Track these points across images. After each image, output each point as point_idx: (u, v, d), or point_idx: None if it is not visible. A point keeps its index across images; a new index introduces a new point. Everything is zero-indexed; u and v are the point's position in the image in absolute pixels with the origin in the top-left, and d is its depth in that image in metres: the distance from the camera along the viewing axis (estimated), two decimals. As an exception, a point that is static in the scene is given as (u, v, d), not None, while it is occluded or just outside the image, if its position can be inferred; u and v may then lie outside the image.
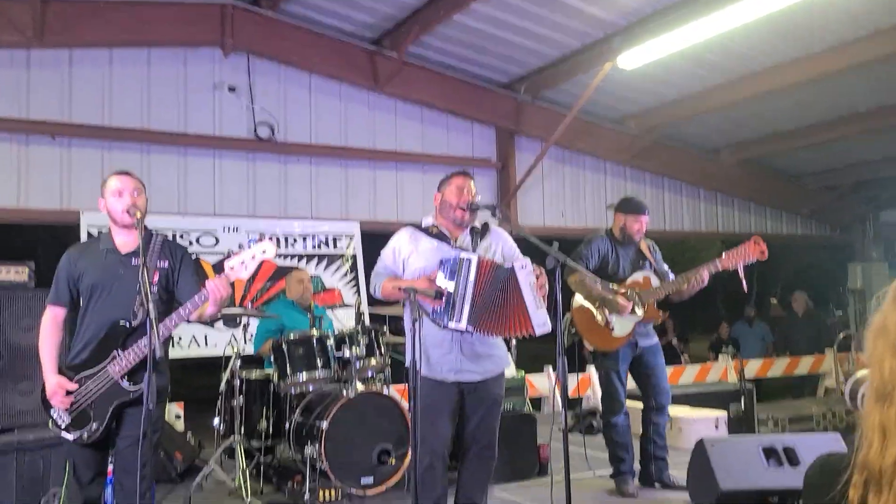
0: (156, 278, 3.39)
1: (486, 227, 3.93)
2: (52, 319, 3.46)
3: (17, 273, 4.88)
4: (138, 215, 3.30)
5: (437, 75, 8.60)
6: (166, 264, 3.46)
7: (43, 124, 6.93)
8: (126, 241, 3.43)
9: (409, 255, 3.78)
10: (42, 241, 14.80)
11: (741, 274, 4.56)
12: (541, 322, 3.54)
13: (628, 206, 5.02)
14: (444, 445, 3.68)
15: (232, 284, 3.30)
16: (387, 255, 3.86)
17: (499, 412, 3.82)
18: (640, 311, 4.74)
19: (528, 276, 3.56)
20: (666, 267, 5.02)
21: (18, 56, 6.87)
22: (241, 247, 3.33)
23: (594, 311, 4.77)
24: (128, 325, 3.29)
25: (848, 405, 2.33)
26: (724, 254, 4.62)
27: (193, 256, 7.15)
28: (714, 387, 7.83)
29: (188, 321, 3.38)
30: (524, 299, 3.53)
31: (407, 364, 3.71)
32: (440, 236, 3.81)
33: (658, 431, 4.91)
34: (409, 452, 3.79)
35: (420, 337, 3.29)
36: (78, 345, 3.40)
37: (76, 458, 3.43)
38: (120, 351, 3.28)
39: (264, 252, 3.28)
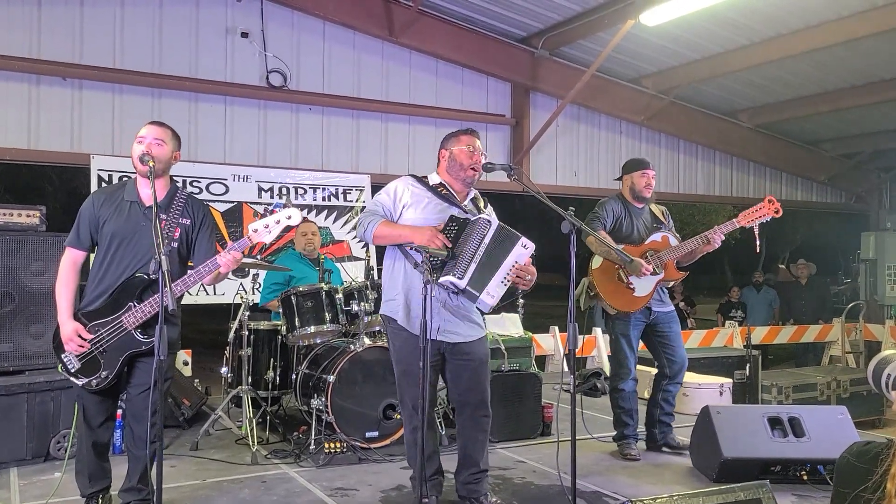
0: (177, 234, 3.40)
1: (485, 200, 3.90)
2: (71, 263, 3.45)
3: (29, 216, 4.87)
4: (151, 164, 3.27)
5: (453, 27, 8.44)
6: (188, 222, 3.46)
7: (54, 65, 6.84)
8: (150, 194, 3.40)
9: (410, 204, 3.68)
10: (51, 183, 14.80)
11: (756, 233, 4.70)
12: (491, 293, 3.44)
13: (631, 165, 5.02)
14: (429, 405, 3.67)
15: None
16: (385, 197, 3.71)
17: (487, 371, 3.79)
18: (660, 271, 4.72)
19: (521, 253, 3.49)
20: (677, 235, 4.99)
21: (29, -7, 6.76)
22: (267, 210, 3.38)
23: (616, 271, 4.73)
24: (146, 277, 3.29)
25: (871, 387, 2.30)
26: (740, 213, 4.72)
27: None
28: (719, 352, 7.85)
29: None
30: (498, 269, 3.46)
31: (385, 312, 3.73)
32: (448, 197, 3.72)
33: (667, 399, 4.91)
34: (401, 413, 3.79)
35: (420, 295, 3.25)
36: (94, 292, 3.40)
37: (86, 403, 3.47)
38: (136, 303, 3.29)
39: (289, 218, 3.30)
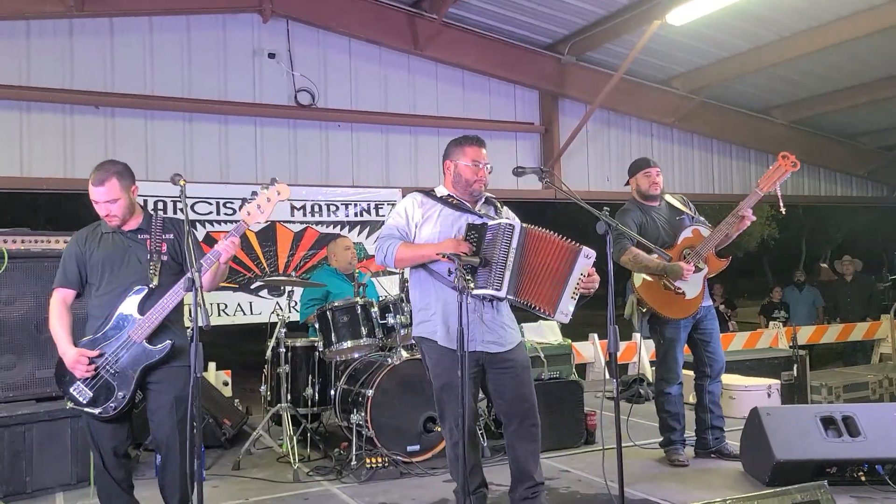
0: (164, 248, 3.42)
1: (500, 202, 3.81)
2: (60, 301, 3.43)
3: (66, 243, 4.91)
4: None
5: (477, 37, 8.43)
6: (172, 236, 3.49)
7: (86, 94, 6.96)
8: (128, 223, 3.44)
9: (423, 220, 3.62)
10: (89, 210, 15.10)
11: (779, 194, 4.56)
12: (564, 311, 3.42)
13: (634, 167, 4.94)
14: (470, 419, 3.57)
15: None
16: (398, 218, 3.65)
17: (530, 377, 3.70)
18: (703, 266, 4.60)
19: (585, 264, 3.42)
20: (702, 218, 4.87)
21: (61, 26, 6.89)
22: (254, 193, 3.42)
23: (660, 282, 4.62)
24: (144, 290, 3.30)
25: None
26: (759, 181, 4.57)
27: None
28: (764, 353, 7.65)
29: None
30: (567, 282, 3.39)
31: (421, 334, 3.62)
32: (460, 206, 3.64)
33: (713, 400, 4.78)
34: (442, 429, 3.72)
35: (465, 307, 3.18)
36: (95, 322, 3.36)
37: (97, 437, 3.37)
38: (138, 315, 3.28)
39: (279, 194, 3.33)
